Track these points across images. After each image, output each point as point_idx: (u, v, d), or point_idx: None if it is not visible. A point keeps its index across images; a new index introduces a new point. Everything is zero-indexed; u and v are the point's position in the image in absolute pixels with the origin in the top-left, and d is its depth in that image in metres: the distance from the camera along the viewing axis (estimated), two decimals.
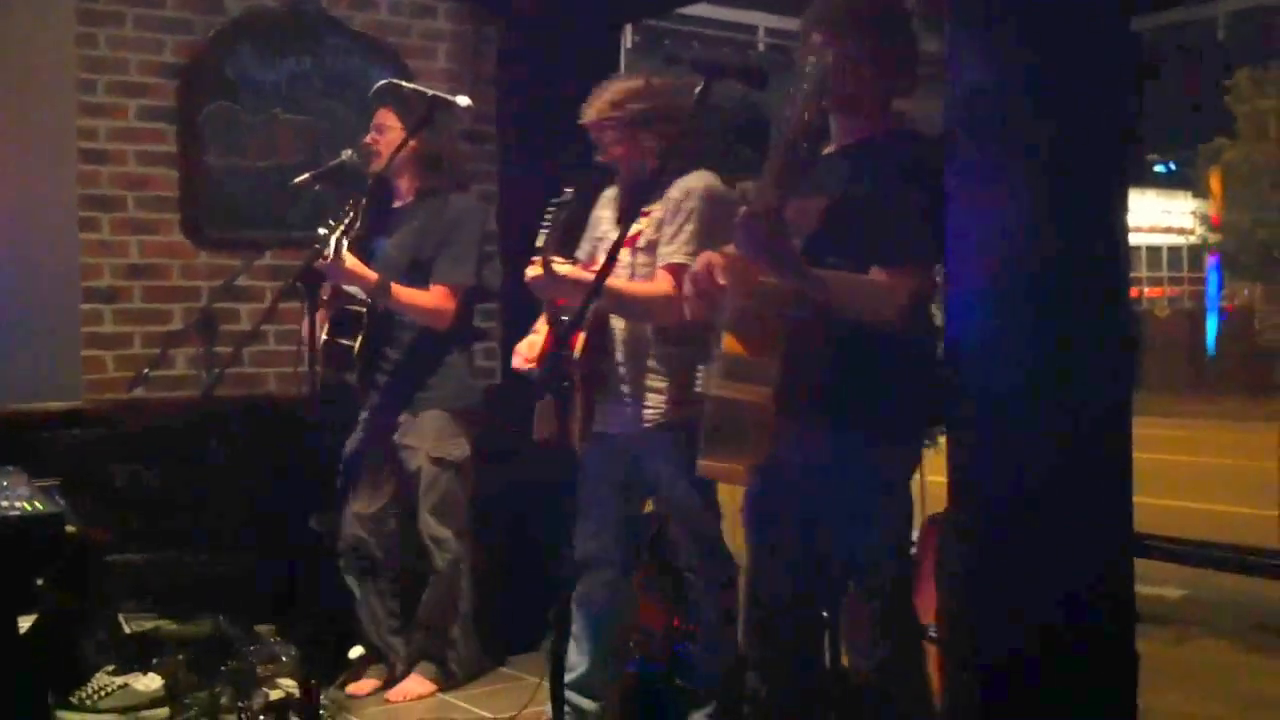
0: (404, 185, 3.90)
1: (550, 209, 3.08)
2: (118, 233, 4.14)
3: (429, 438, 3.81)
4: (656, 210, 3.19)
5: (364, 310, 3.77)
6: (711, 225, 3.09)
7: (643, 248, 3.20)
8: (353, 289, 3.75)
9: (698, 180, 3.19)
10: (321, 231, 3.55)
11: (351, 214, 3.58)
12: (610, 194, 3.41)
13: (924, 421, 2.63)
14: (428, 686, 3.87)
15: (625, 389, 3.21)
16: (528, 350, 3.31)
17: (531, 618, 4.41)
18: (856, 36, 2.54)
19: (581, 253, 3.39)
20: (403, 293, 3.73)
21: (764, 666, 2.73)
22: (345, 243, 3.58)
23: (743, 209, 2.44)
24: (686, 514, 3.24)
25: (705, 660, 3.32)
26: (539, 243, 3.10)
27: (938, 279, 2.57)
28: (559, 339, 3.03)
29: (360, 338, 3.76)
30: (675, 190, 3.17)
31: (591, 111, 3.25)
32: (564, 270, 3.10)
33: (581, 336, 3.13)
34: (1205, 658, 4.51)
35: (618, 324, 3.23)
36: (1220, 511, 7.59)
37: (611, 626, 3.41)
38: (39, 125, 4.01)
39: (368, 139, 3.80)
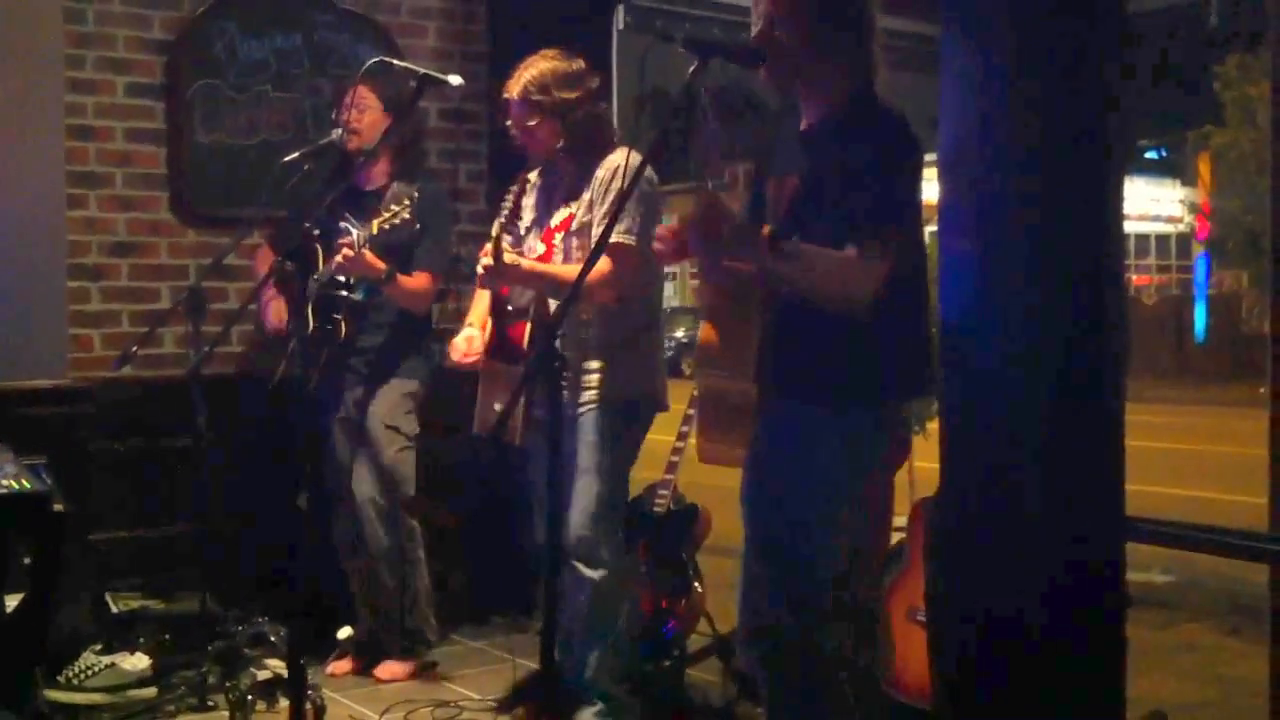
0: (378, 168, 3.85)
1: (506, 195, 3.05)
2: (105, 210, 4.11)
3: (384, 407, 3.81)
4: (585, 193, 3.19)
5: (346, 296, 3.75)
6: (648, 201, 3.12)
7: (575, 231, 3.19)
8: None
9: (619, 157, 3.17)
10: (343, 225, 3.59)
11: (392, 210, 3.53)
12: (534, 179, 3.39)
13: (881, 392, 2.57)
14: (408, 667, 3.88)
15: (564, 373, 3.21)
16: (466, 346, 3.31)
17: (497, 592, 4.42)
18: (798, 16, 2.53)
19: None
20: (406, 281, 3.72)
21: (752, 647, 2.73)
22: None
23: (689, 215, 2.45)
24: (588, 499, 3.19)
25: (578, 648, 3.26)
26: (494, 231, 3.09)
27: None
28: (537, 326, 3.06)
29: (345, 321, 3.75)
30: (602, 170, 3.17)
31: (517, 87, 3.21)
32: (513, 259, 3.08)
33: (526, 326, 3.15)
34: (1189, 641, 4.55)
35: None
36: (1206, 498, 7.63)
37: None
38: (27, 101, 3.97)
39: (347, 118, 3.72)
